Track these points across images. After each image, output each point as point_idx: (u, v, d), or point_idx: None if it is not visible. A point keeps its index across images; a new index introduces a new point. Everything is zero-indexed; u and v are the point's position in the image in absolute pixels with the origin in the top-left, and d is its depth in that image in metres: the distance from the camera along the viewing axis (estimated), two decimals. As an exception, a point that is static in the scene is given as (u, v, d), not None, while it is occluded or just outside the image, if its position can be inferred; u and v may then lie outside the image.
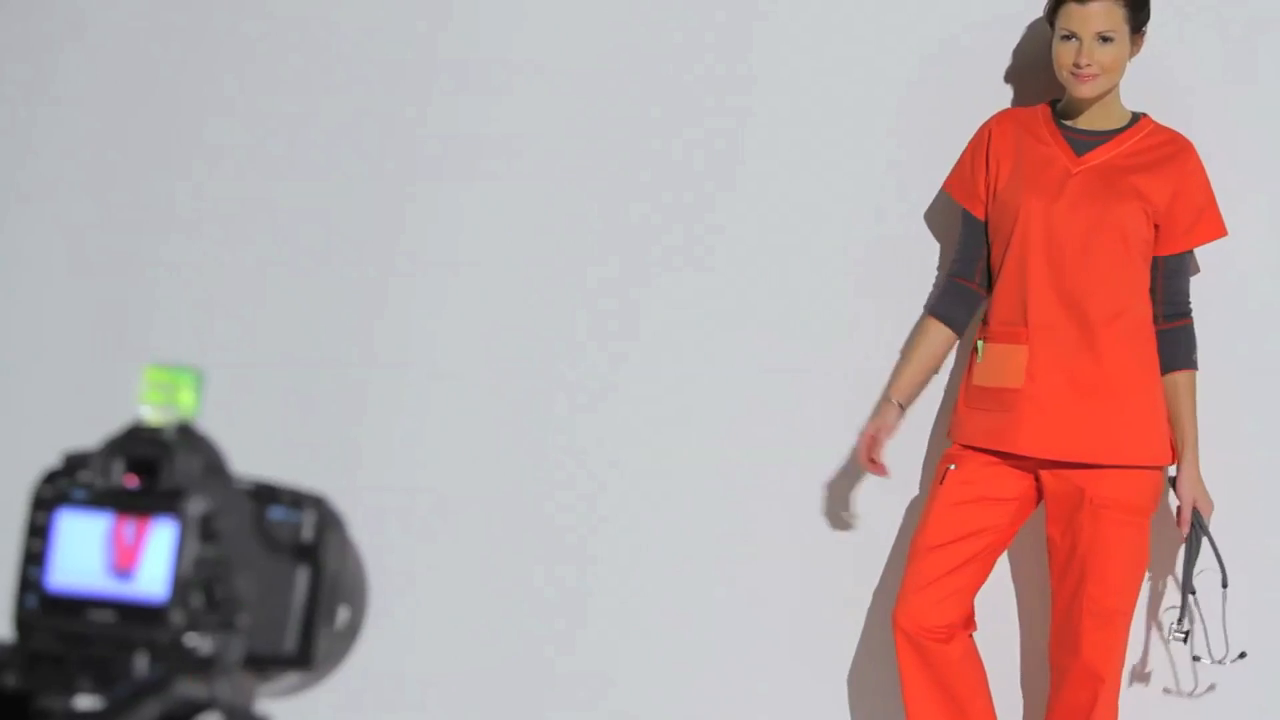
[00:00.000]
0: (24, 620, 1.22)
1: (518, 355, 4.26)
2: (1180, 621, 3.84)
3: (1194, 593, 3.83)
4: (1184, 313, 3.87)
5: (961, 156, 3.97)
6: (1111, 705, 3.80)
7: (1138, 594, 3.82)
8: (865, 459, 3.89)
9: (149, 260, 4.40)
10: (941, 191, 4.04)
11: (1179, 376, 3.84)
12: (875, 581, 4.15)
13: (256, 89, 4.37)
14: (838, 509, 4.17)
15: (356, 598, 1.26)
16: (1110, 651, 3.76)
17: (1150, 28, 3.88)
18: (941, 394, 4.13)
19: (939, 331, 3.95)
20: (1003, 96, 4.14)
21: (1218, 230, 3.86)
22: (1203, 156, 3.87)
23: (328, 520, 1.19)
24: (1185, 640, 3.86)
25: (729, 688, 4.19)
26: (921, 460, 4.14)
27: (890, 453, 3.95)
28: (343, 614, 1.23)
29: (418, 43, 4.33)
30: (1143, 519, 3.78)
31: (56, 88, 4.45)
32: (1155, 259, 3.85)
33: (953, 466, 3.83)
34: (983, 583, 3.86)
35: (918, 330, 3.99)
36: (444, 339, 4.29)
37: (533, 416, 4.27)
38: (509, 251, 4.28)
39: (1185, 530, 3.82)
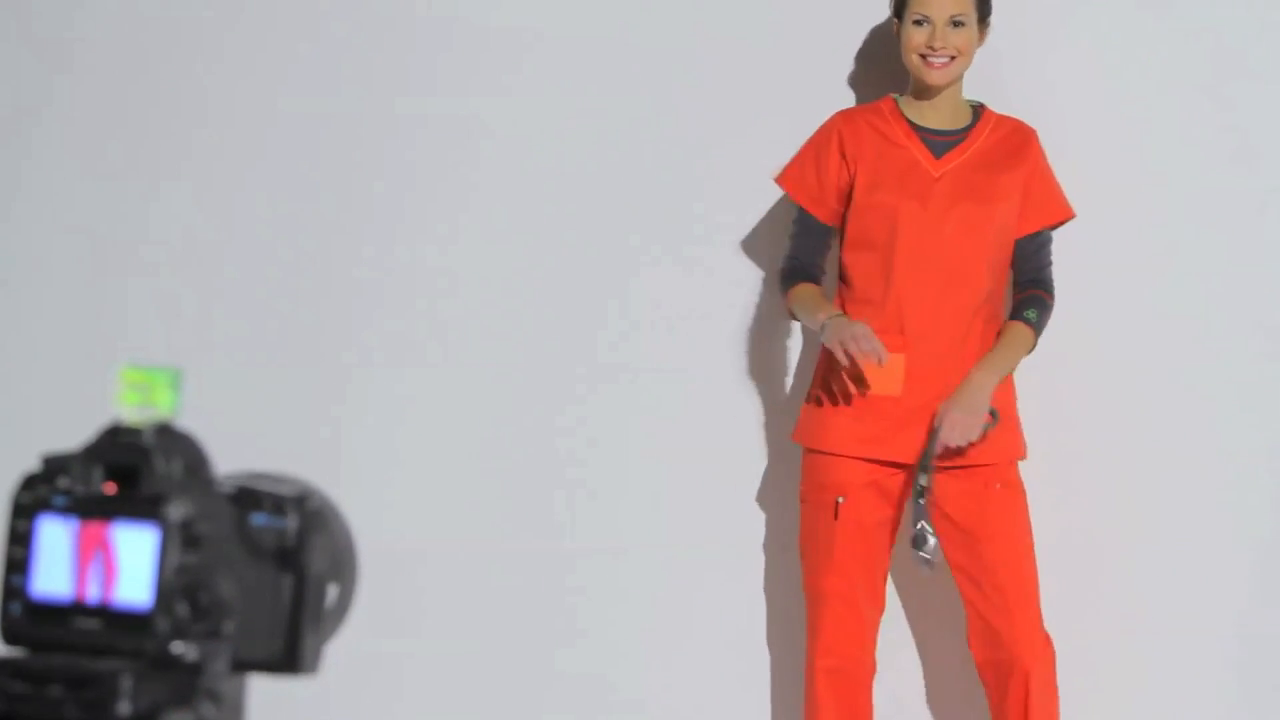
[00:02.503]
0: (9, 629, 1.20)
1: (516, 353, 4.25)
2: (917, 533, 3.73)
3: (923, 496, 3.75)
4: (1037, 282, 3.86)
5: (802, 155, 3.91)
6: (1052, 679, 3.82)
7: (1036, 569, 3.84)
8: (856, 349, 3.71)
9: (137, 259, 4.39)
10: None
11: (1011, 325, 3.82)
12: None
13: (251, 88, 4.36)
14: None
15: (346, 574, 1.24)
16: (1039, 626, 3.80)
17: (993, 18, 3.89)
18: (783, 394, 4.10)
19: (812, 286, 3.86)
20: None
21: (1064, 212, 3.89)
22: (1048, 141, 3.91)
23: (311, 523, 1.16)
24: (923, 549, 3.75)
25: (728, 686, 4.19)
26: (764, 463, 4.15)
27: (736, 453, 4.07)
28: (331, 591, 1.20)
29: (406, 34, 4.30)
30: (1019, 495, 3.83)
31: (37, 93, 4.45)
32: (1016, 241, 3.86)
33: (841, 499, 3.79)
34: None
35: (796, 291, 3.85)
36: (439, 334, 4.28)
37: (532, 414, 4.26)
38: (503, 249, 4.27)
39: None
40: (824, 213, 3.88)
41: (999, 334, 3.84)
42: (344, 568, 1.25)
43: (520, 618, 4.26)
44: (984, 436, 3.77)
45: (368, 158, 4.30)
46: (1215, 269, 4.09)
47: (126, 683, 1.11)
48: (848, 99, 4.16)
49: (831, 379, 3.83)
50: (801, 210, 3.91)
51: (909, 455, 3.78)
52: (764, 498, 4.19)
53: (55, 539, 1.19)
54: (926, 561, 3.70)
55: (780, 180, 3.94)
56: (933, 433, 3.76)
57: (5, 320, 4.46)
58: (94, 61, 4.42)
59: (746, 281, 4.20)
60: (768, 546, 4.19)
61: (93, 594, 1.18)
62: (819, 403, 3.85)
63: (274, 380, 4.30)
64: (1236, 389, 4.08)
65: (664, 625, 4.22)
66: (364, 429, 4.25)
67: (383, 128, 4.30)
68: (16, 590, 1.19)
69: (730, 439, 4.20)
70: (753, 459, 4.18)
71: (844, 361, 3.72)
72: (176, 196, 4.37)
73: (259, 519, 1.16)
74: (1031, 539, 3.84)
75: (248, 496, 1.16)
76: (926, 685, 4.16)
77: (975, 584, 3.81)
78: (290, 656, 1.17)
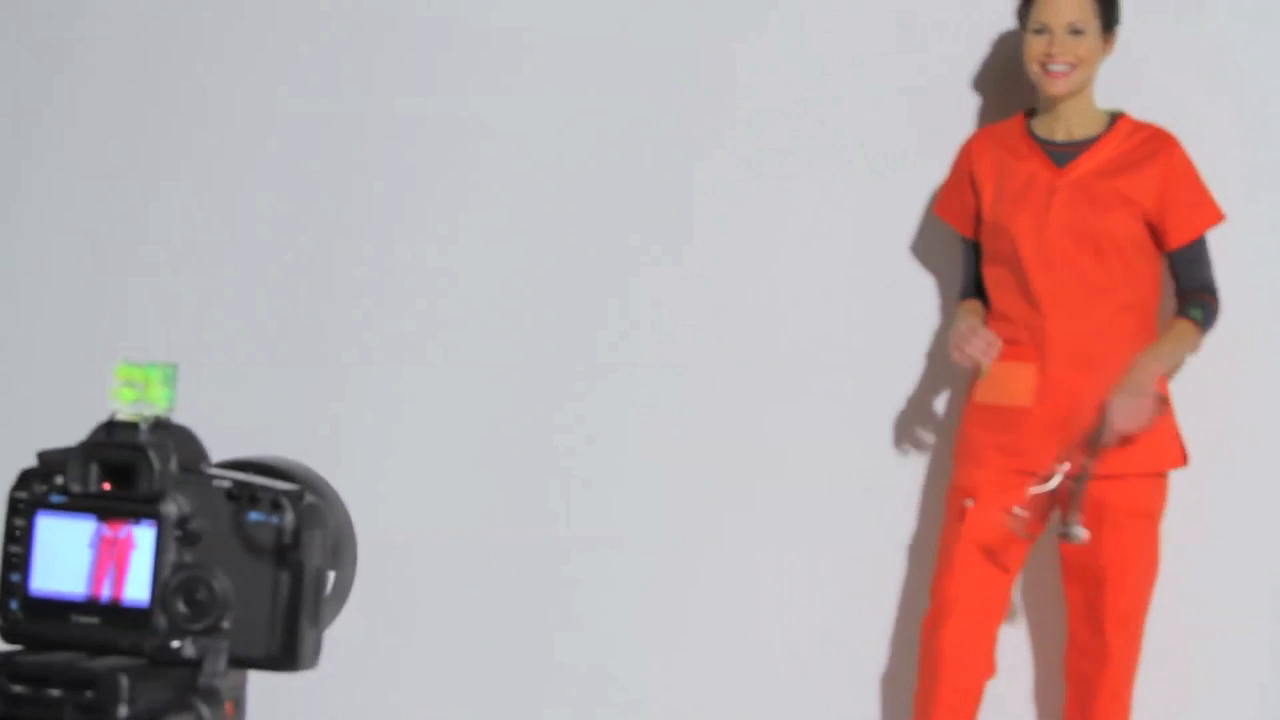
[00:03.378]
0: (8, 626, 1.20)
1: (515, 352, 4.25)
2: (1070, 515, 3.74)
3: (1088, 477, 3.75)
4: (1200, 287, 3.84)
5: (948, 178, 3.97)
6: (1127, 704, 3.82)
7: (1151, 598, 3.82)
8: (972, 348, 3.76)
9: (137, 259, 4.39)
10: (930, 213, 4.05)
11: (1177, 321, 3.81)
12: (871, 579, 4.15)
13: (251, 88, 4.36)
14: (842, 505, 4.15)
15: (345, 560, 1.24)
16: (1132, 655, 3.79)
17: (1122, 28, 3.87)
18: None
19: (978, 303, 3.92)
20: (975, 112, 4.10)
21: (1214, 216, 3.83)
22: (1190, 150, 3.84)
23: (307, 519, 1.16)
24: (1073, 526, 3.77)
25: (726, 686, 4.19)
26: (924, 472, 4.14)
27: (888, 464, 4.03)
28: (330, 576, 1.21)
29: (406, 34, 4.30)
30: (1155, 523, 3.79)
31: (34, 91, 4.44)
32: (1167, 255, 3.83)
33: (969, 503, 3.80)
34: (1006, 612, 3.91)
35: (959, 310, 3.92)
36: (439, 332, 4.28)
37: (531, 412, 4.25)
38: (502, 249, 4.27)
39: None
40: (967, 229, 3.91)
41: (1165, 330, 3.81)
42: (343, 553, 1.25)
43: (518, 611, 4.26)
44: (1153, 422, 3.74)
45: (368, 158, 4.31)
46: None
47: (125, 685, 1.11)
48: (846, 99, 4.16)
49: (970, 390, 3.86)
50: (959, 232, 3.95)
51: (1041, 465, 3.75)
52: (763, 497, 4.18)
53: (53, 536, 1.19)
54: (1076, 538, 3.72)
55: (935, 207, 4.00)
56: (1102, 421, 3.73)
57: (5, 319, 4.46)
58: (94, 61, 4.42)
59: (746, 281, 4.20)
60: (767, 545, 4.19)
61: (91, 591, 1.18)
62: (961, 411, 3.87)
63: (274, 380, 4.30)
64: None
65: (663, 622, 4.22)
66: (363, 427, 4.26)
67: (383, 128, 4.31)
68: (15, 587, 1.19)
69: (729, 438, 4.20)
70: (751, 457, 4.18)
71: (963, 363, 3.77)
72: (176, 196, 4.37)
73: (256, 516, 1.16)
74: (1154, 570, 3.80)
75: (244, 493, 1.16)
76: (1035, 691, 4.14)
77: (1080, 592, 3.79)
78: (288, 653, 1.17)
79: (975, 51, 4.15)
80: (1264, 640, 4.03)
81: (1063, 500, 3.77)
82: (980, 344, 3.74)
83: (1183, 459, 3.82)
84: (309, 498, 1.17)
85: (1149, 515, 3.79)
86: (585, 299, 4.24)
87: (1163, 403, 3.77)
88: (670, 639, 4.22)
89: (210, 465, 1.21)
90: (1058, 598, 4.00)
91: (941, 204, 3.98)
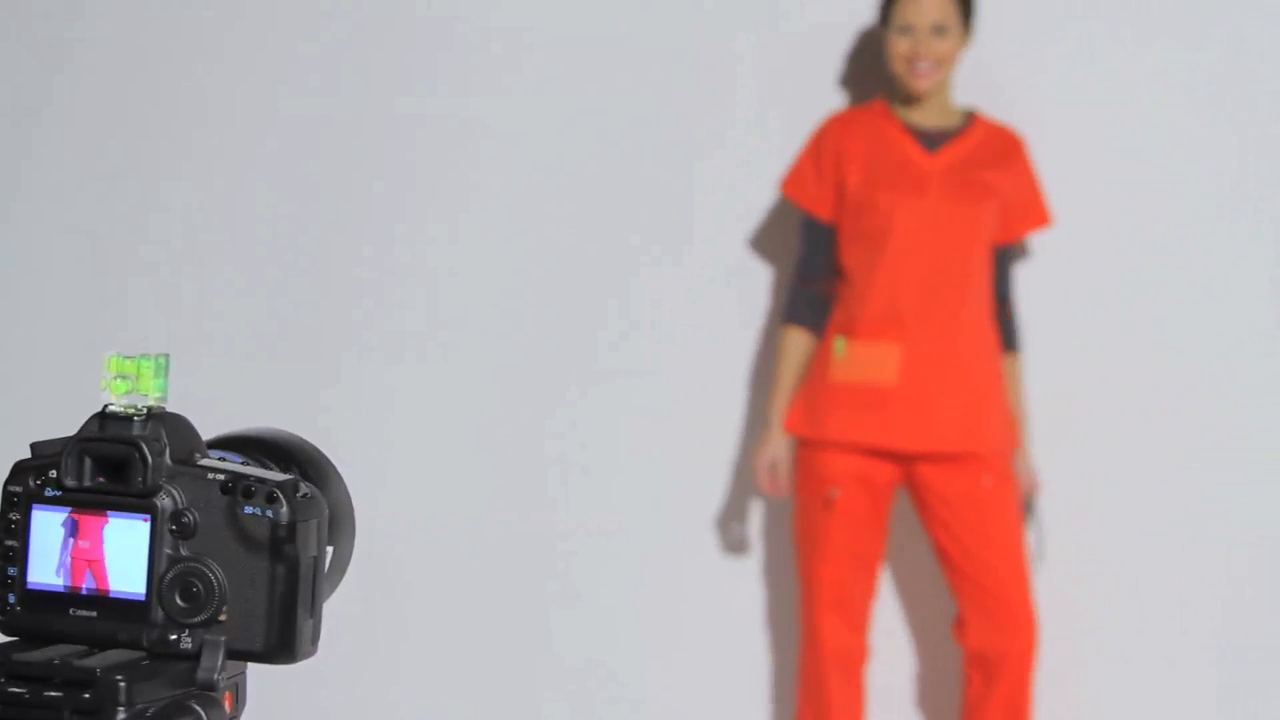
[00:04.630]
0: (8, 619, 1.20)
1: (515, 352, 4.26)
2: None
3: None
4: (1007, 296, 3.97)
5: (801, 161, 3.98)
6: (1029, 668, 3.86)
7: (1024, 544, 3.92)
8: (770, 489, 3.92)
9: (137, 259, 4.40)
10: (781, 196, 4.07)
11: (1009, 360, 3.96)
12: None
13: (251, 88, 4.37)
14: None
15: (343, 533, 1.24)
16: (1029, 618, 3.83)
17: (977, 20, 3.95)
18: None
19: (804, 339, 3.96)
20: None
21: (1044, 218, 3.97)
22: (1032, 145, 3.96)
23: (302, 511, 1.16)
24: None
25: (723, 685, 4.19)
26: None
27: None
28: (328, 552, 1.20)
29: (406, 34, 4.31)
30: (1014, 493, 3.89)
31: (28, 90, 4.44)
32: (994, 247, 3.93)
33: (835, 492, 3.82)
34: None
35: (785, 342, 3.96)
36: (439, 333, 4.29)
37: (530, 413, 4.26)
38: (502, 249, 4.28)
39: (1027, 510, 3.95)
40: (826, 211, 3.92)
41: (1010, 372, 3.94)
42: (341, 528, 1.24)
43: (515, 605, 4.26)
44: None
45: (368, 158, 4.30)
46: (1210, 267, 4.09)
47: (123, 688, 1.11)
48: (846, 100, 4.15)
49: (824, 370, 3.87)
50: (806, 215, 3.95)
51: (903, 445, 3.82)
52: (761, 497, 4.18)
53: (48, 530, 1.19)
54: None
55: (784, 188, 4.00)
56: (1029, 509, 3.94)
57: (5, 319, 4.46)
58: (94, 61, 4.42)
59: (747, 281, 4.19)
60: (766, 544, 4.19)
61: (87, 585, 1.18)
62: (813, 392, 3.86)
63: (275, 380, 4.30)
64: (1235, 387, 4.07)
65: (662, 622, 4.22)
66: (362, 427, 4.26)
67: (383, 128, 4.30)
68: (13, 581, 1.19)
69: (728, 438, 4.19)
70: (749, 457, 4.17)
71: (763, 490, 3.90)
72: (176, 191, 4.37)
73: (250, 509, 1.15)
74: (1021, 531, 3.88)
75: (239, 486, 1.16)
76: (918, 674, 4.16)
77: (965, 576, 3.83)
78: (286, 645, 1.17)
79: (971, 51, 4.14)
80: (1212, 643, 4.04)
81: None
82: (774, 483, 3.88)
83: (1014, 441, 3.90)
84: (304, 488, 1.17)
85: (1009, 485, 3.86)
86: (584, 298, 4.24)
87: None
88: (669, 636, 4.22)
89: (205, 455, 1.21)
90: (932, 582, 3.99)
91: (793, 184, 3.96)
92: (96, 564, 1.18)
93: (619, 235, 4.22)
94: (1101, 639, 4.06)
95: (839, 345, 3.85)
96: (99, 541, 1.17)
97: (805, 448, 3.89)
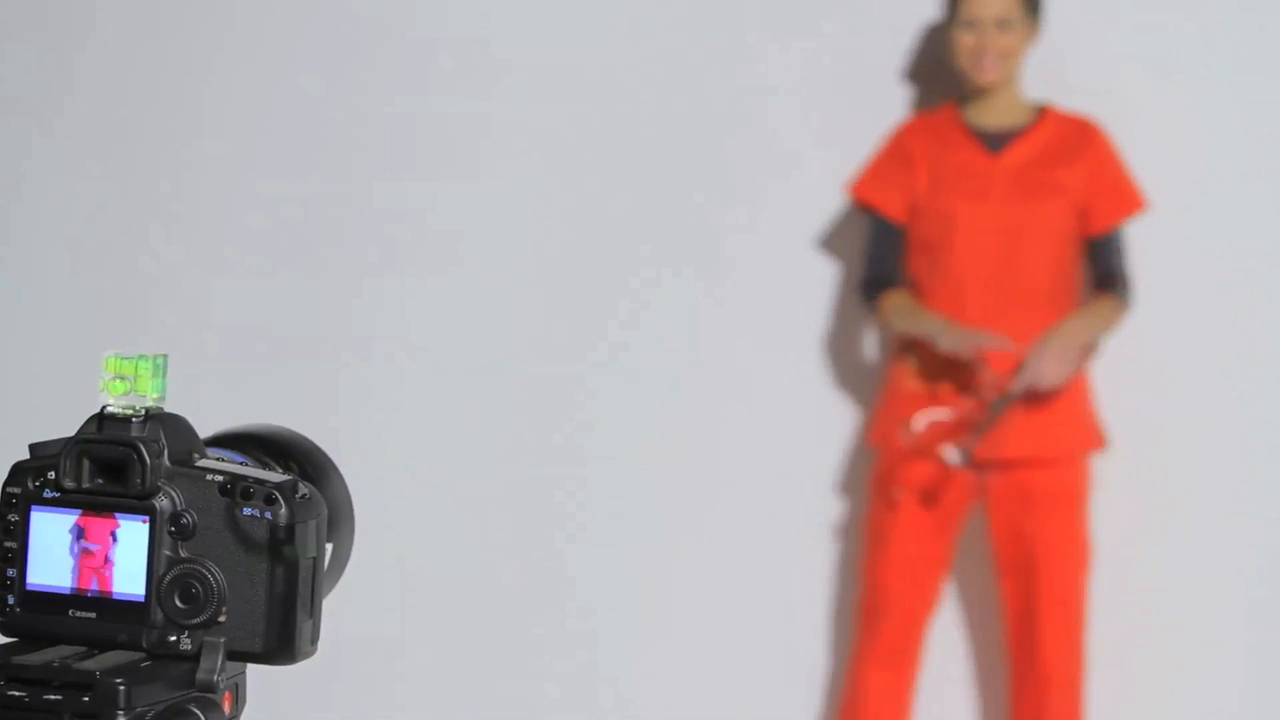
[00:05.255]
0: (8, 620, 1.20)
1: (514, 352, 4.25)
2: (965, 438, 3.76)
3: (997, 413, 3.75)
4: (1114, 276, 3.87)
5: (876, 164, 3.94)
6: (1075, 699, 3.82)
7: (1086, 586, 3.86)
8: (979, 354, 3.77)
9: (137, 259, 4.39)
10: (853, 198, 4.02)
11: (1100, 294, 3.85)
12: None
13: (251, 88, 4.36)
14: (841, 503, 4.14)
15: (343, 529, 1.24)
16: (1073, 647, 3.80)
17: (1047, 13, 3.90)
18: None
19: (901, 294, 3.90)
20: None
21: (1135, 204, 3.87)
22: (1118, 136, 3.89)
23: (301, 512, 1.16)
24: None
25: (722, 685, 4.19)
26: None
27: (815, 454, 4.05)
28: (328, 548, 1.20)
29: (407, 34, 4.30)
30: (1081, 507, 3.84)
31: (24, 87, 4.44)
32: (1088, 243, 3.86)
33: (900, 494, 3.82)
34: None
35: (891, 302, 3.88)
36: (439, 333, 4.28)
37: (530, 413, 4.26)
38: (502, 249, 4.27)
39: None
40: (898, 211, 3.89)
41: (1091, 300, 3.84)
42: (340, 524, 1.24)
43: (517, 611, 4.26)
44: (1070, 378, 3.75)
45: (368, 157, 4.29)
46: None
47: (123, 692, 1.11)
48: (847, 100, 4.14)
49: (899, 380, 3.81)
50: (878, 217, 3.91)
51: (980, 450, 3.77)
52: (761, 497, 4.18)
53: (48, 531, 1.19)
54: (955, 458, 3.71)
55: (856, 190, 3.95)
56: (1022, 367, 3.73)
57: (3, 319, 4.45)
58: (93, 62, 4.41)
59: (746, 282, 4.19)
60: (766, 545, 4.19)
61: (87, 586, 1.18)
62: (888, 402, 3.86)
63: (275, 379, 4.30)
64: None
65: (661, 622, 4.22)
66: (362, 426, 4.25)
67: (383, 125, 4.29)
68: (12, 582, 1.19)
69: (727, 437, 4.19)
70: (746, 457, 4.17)
71: (980, 362, 3.72)
72: (176, 197, 4.36)
73: (249, 511, 1.15)
74: (1087, 554, 3.84)
75: (238, 487, 1.16)
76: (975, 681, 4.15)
77: (1023, 592, 3.80)
78: (285, 646, 1.17)
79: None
80: (1238, 639, 4.03)
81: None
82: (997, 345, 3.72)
83: (1101, 442, 3.84)
84: (303, 489, 1.17)
85: (1072, 498, 3.81)
86: (581, 297, 4.23)
87: (1086, 355, 3.76)
88: (669, 635, 4.22)
89: (204, 456, 1.20)
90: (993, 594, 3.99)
91: (867, 187, 3.92)
92: (95, 566, 1.18)
93: (618, 235, 4.21)
94: (1134, 635, 4.05)
95: (911, 356, 3.82)
96: (109, 545, 1.17)
97: (881, 456, 3.88)
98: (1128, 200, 3.87)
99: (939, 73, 4.05)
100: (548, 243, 4.23)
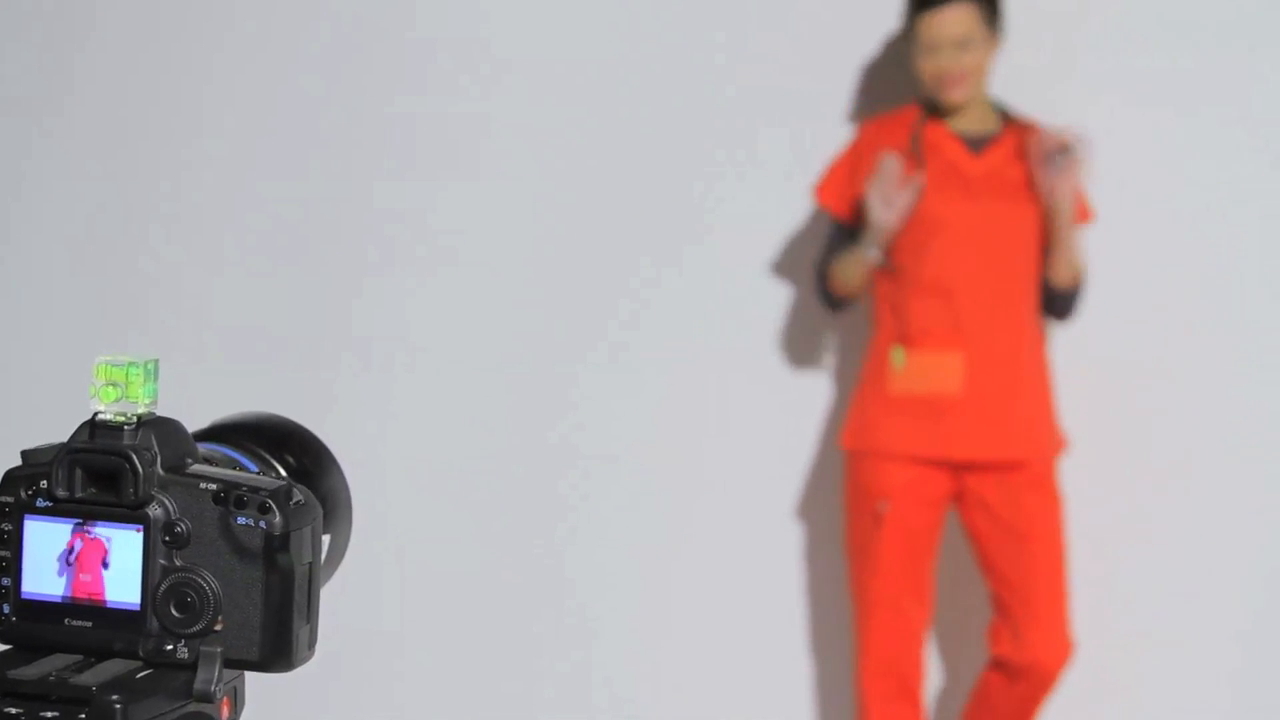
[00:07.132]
0: (3, 630, 1.19)
1: (514, 353, 4.25)
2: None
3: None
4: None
5: (836, 168, 3.94)
6: (1053, 684, 3.84)
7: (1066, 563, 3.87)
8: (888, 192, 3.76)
9: (136, 259, 4.39)
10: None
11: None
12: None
13: (251, 88, 4.36)
14: (823, 507, 4.14)
15: (340, 522, 1.23)
16: (1064, 637, 3.80)
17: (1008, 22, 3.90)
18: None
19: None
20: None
21: (1084, 215, 3.88)
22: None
23: (295, 519, 1.15)
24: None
25: (719, 685, 4.19)
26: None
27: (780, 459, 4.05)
28: (324, 541, 1.20)
29: (407, 34, 4.29)
30: (1060, 503, 3.86)
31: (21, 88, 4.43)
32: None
33: (884, 506, 3.78)
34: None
35: (839, 262, 3.88)
36: (439, 334, 4.28)
37: (530, 413, 4.26)
38: (501, 249, 4.26)
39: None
40: (850, 215, 3.90)
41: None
42: (337, 516, 1.23)
43: (517, 611, 4.26)
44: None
45: (368, 157, 4.29)
46: (1248, 267, 4.06)
47: (119, 709, 1.10)
48: (849, 100, 4.13)
49: (880, 382, 3.83)
50: (837, 222, 3.91)
51: (961, 453, 3.77)
52: (761, 497, 4.18)
53: (41, 540, 1.18)
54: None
55: (817, 194, 3.96)
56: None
57: (5, 319, 4.45)
58: (91, 62, 4.40)
59: (747, 282, 4.18)
60: (766, 545, 4.19)
61: (81, 595, 1.17)
62: (867, 404, 3.84)
63: (275, 380, 4.30)
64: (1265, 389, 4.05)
65: (658, 620, 4.22)
66: (362, 426, 4.24)
67: (383, 127, 4.29)
68: (7, 591, 1.18)
69: (727, 437, 4.19)
70: (746, 457, 4.17)
71: (895, 198, 3.72)
72: (174, 197, 4.36)
73: (243, 519, 1.14)
74: (1064, 544, 3.84)
75: (231, 495, 1.15)
76: (944, 688, 4.15)
77: (1007, 584, 3.79)
78: (281, 654, 1.16)
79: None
80: (1231, 639, 4.02)
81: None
82: (905, 192, 3.72)
83: (1063, 444, 3.87)
84: (297, 494, 1.16)
85: (1057, 496, 3.84)
86: (580, 297, 4.23)
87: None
88: (667, 636, 4.22)
89: (198, 461, 1.19)
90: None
91: (829, 192, 3.92)
92: (89, 574, 1.17)
93: (618, 235, 4.21)
94: (1122, 641, 4.04)
95: (897, 356, 3.80)
96: (103, 554, 1.16)
97: (857, 459, 3.85)
98: (1080, 210, 3.87)
99: (884, 79, 4.07)
100: (546, 243, 4.23)
